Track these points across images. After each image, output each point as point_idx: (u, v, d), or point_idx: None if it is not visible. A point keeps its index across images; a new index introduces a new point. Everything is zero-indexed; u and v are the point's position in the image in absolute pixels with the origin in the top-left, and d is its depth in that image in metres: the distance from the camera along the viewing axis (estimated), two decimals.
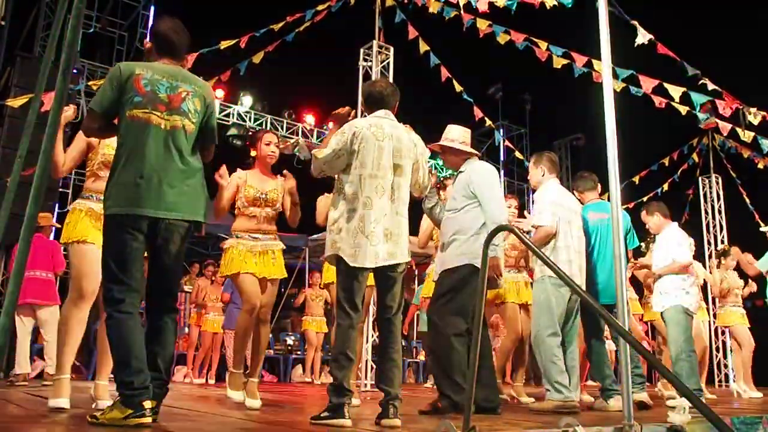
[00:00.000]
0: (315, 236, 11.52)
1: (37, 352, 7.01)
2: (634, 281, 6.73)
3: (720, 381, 11.33)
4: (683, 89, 6.23)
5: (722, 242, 11.91)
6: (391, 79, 8.06)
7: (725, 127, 6.77)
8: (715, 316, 7.85)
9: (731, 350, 9.43)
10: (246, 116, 11.14)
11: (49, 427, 2.49)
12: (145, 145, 2.49)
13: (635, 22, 5.64)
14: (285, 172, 3.95)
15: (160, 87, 2.56)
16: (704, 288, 7.93)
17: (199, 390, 6.25)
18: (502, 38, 6.93)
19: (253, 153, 4.02)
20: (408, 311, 10.65)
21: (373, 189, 2.88)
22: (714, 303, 8.38)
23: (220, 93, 10.72)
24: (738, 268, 7.29)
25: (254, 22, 7.82)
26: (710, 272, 7.63)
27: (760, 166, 10.08)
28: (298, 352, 10.04)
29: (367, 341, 6.57)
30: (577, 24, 4.86)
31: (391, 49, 8.41)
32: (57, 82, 1.69)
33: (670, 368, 4.45)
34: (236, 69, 7.98)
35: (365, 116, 3.24)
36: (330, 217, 2.97)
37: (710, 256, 9.37)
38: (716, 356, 11.15)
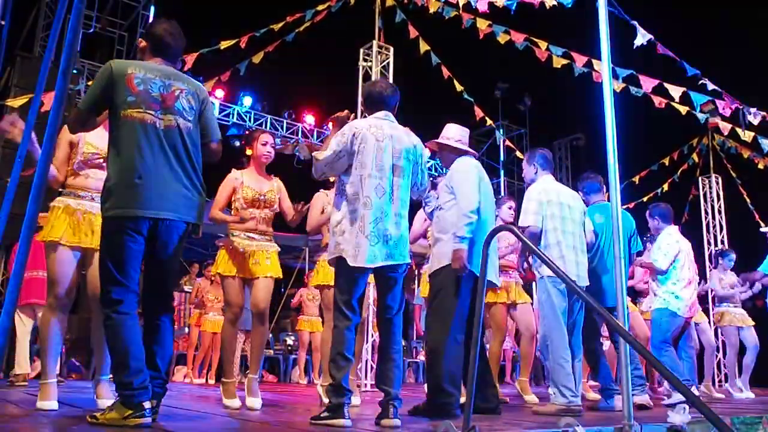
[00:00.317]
0: (315, 237, 11.53)
1: (36, 352, 7.01)
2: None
3: (720, 381, 11.33)
4: (683, 89, 6.23)
5: (722, 242, 11.92)
6: (391, 80, 8.07)
7: (725, 127, 6.78)
8: (715, 315, 7.84)
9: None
10: (246, 116, 11.14)
11: (48, 428, 2.49)
12: (141, 146, 2.46)
13: (635, 22, 5.64)
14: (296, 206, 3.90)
15: (153, 86, 2.53)
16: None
17: (199, 390, 6.25)
18: (502, 38, 6.94)
19: (248, 152, 4.01)
20: (414, 311, 10.66)
21: (373, 189, 2.88)
22: (714, 302, 8.37)
23: (220, 93, 10.73)
24: (735, 269, 7.29)
25: (254, 22, 7.83)
26: (708, 274, 7.62)
27: (760, 166, 10.08)
28: (298, 352, 10.05)
29: (366, 341, 6.57)
30: (577, 24, 4.86)
31: (391, 49, 8.41)
32: (57, 82, 1.69)
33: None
34: (236, 69, 7.98)
35: (365, 116, 3.24)
36: (333, 220, 2.97)
37: (710, 258, 9.36)
38: (716, 356, 11.15)
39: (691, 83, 6.12)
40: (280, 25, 7.84)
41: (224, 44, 7.67)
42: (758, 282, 6.74)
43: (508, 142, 12.14)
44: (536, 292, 4.07)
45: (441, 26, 7.57)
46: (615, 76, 6.22)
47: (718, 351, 11.17)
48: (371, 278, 3.03)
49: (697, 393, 5.39)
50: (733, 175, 11.84)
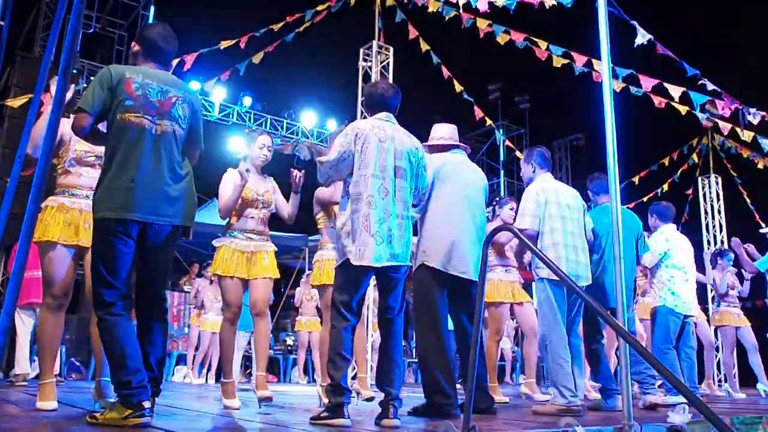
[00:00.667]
0: (315, 237, 11.54)
1: (36, 352, 7.01)
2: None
3: (720, 381, 11.33)
4: (683, 89, 6.23)
5: (722, 242, 11.92)
6: (390, 79, 8.07)
7: (725, 127, 6.78)
8: (713, 315, 7.84)
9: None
10: (246, 116, 11.14)
11: (48, 428, 2.49)
12: (136, 149, 2.49)
13: (635, 22, 5.64)
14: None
15: (151, 91, 2.57)
16: (704, 290, 7.94)
17: (199, 390, 6.25)
18: (501, 38, 6.93)
19: (246, 152, 4.02)
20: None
21: (376, 189, 2.87)
22: (713, 302, 8.37)
23: (220, 93, 10.72)
24: (735, 267, 7.28)
25: (254, 22, 7.83)
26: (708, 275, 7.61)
27: (760, 166, 10.08)
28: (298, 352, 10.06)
29: (367, 341, 6.57)
30: (577, 24, 4.86)
31: (391, 49, 8.41)
32: (57, 82, 1.69)
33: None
34: (236, 69, 7.98)
35: (365, 117, 3.24)
36: (338, 222, 2.97)
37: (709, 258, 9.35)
38: (716, 356, 11.15)
39: (691, 83, 6.12)
40: (280, 25, 7.85)
41: (224, 44, 7.68)
42: (747, 273, 6.73)
43: (507, 142, 12.14)
44: (535, 293, 4.07)
45: (441, 26, 7.58)
46: (615, 75, 6.22)
47: (717, 351, 11.18)
48: (372, 279, 3.03)
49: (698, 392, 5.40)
50: (733, 175, 11.84)
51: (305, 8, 8.01)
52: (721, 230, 12.14)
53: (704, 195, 12.38)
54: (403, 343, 9.96)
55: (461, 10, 7.06)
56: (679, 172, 11.98)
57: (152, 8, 10.95)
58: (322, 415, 2.74)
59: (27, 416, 2.86)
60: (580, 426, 2.46)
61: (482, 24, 6.97)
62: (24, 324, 5.78)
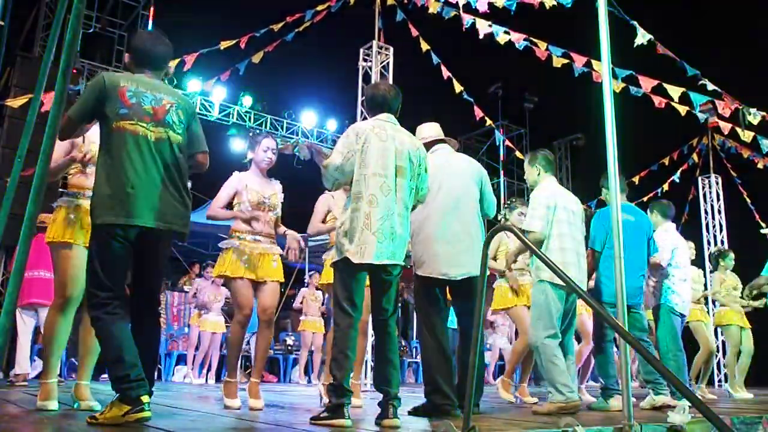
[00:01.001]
0: (315, 237, 11.52)
1: (37, 352, 7.01)
2: None
3: (720, 381, 11.34)
4: (683, 89, 6.23)
5: (722, 242, 11.92)
6: (390, 80, 8.08)
7: (725, 127, 6.78)
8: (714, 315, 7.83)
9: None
10: (246, 116, 11.14)
11: (48, 428, 2.49)
12: (132, 156, 2.56)
13: (635, 22, 5.64)
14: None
15: (144, 99, 2.65)
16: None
17: (199, 390, 6.25)
18: (501, 38, 6.94)
19: (249, 155, 4.01)
20: None
21: (377, 188, 2.88)
22: (714, 304, 8.37)
23: (220, 93, 10.72)
24: (736, 269, 7.28)
25: (254, 22, 7.84)
26: (708, 276, 7.61)
27: (760, 166, 10.08)
28: (298, 352, 10.05)
29: (366, 341, 6.57)
30: (577, 24, 4.86)
31: (391, 49, 8.41)
32: (57, 82, 1.69)
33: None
34: (236, 69, 7.99)
35: (365, 118, 3.24)
36: (338, 221, 2.98)
37: (709, 259, 9.35)
38: (716, 356, 11.14)
39: (691, 83, 6.13)
40: (280, 25, 7.85)
41: (224, 44, 7.68)
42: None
43: (507, 142, 12.14)
44: (532, 294, 4.06)
45: (441, 26, 7.58)
46: (615, 76, 6.23)
47: (717, 351, 11.17)
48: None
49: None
50: (733, 175, 11.84)
51: (305, 8, 8.02)
52: (721, 230, 12.15)
53: (704, 195, 12.38)
54: (403, 343, 10.00)
55: (461, 11, 7.07)
56: (679, 172, 11.98)
57: (152, 8, 10.96)
58: (322, 415, 2.74)
59: (27, 416, 2.86)
60: (580, 426, 2.46)
61: (482, 24, 6.97)
62: (25, 324, 5.78)
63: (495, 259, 5.29)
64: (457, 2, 6.93)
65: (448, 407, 3.32)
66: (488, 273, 2.98)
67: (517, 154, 11.25)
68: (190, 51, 7.40)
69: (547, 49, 6.84)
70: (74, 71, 8.62)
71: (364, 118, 3.29)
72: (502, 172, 14.34)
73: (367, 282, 3.02)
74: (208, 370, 8.40)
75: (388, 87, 3.20)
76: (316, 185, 4.23)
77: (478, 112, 8.84)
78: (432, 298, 3.57)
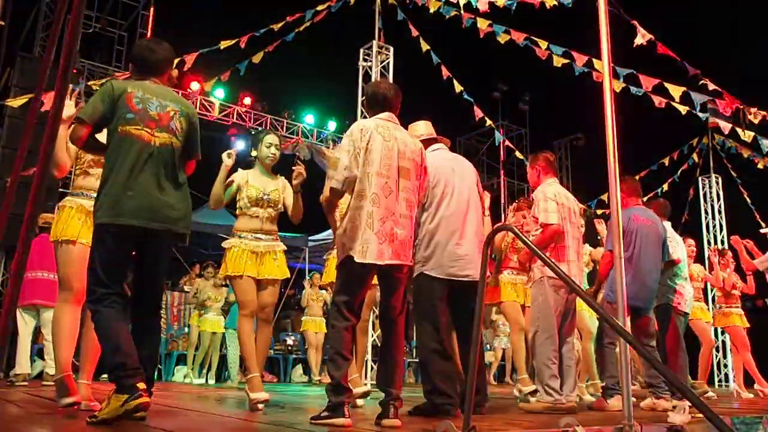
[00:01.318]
0: (315, 237, 11.54)
1: (37, 352, 7.01)
2: None
3: (720, 381, 11.35)
4: (683, 89, 6.24)
5: (722, 242, 11.92)
6: (390, 79, 8.08)
7: (725, 127, 6.78)
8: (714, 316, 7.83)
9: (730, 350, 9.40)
10: (246, 116, 11.14)
11: (48, 428, 2.49)
12: (136, 160, 2.63)
13: (635, 22, 5.64)
14: (298, 166, 3.92)
15: (150, 105, 2.73)
16: (704, 289, 7.93)
17: (199, 390, 6.25)
18: (502, 38, 6.94)
19: (254, 153, 4.02)
20: None
21: (380, 187, 2.86)
22: (714, 303, 8.37)
23: (219, 93, 10.73)
24: (738, 269, 7.27)
25: (254, 22, 7.84)
26: (709, 272, 7.60)
27: (760, 166, 10.08)
28: (298, 352, 10.05)
29: (367, 341, 6.58)
30: (577, 24, 4.86)
31: (391, 49, 8.41)
32: (57, 82, 1.69)
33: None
34: (236, 69, 7.99)
35: (365, 118, 3.23)
36: (341, 219, 2.98)
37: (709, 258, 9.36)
38: (716, 356, 11.15)
39: (691, 83, 6.13)
40: (280, 25, 7.85)
41: (224, 44, 7.68)
42: (746, 270, 6.73)
43: (507, 142, 12.14)
44: (532, 292, 4.07)
45: (441, 26, 7.58)
46: (615, 75, 6.23)
47: (717, 351, 11.19)
48: (374, 279, 3.03)
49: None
50: (733, 174, 11.84)
51: (305, 8, 8.02)
52: (721, 230, 12.15)
53: (704, 195, 12.39)
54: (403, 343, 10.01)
55: (461, 10, 7.07)
56: (679, 172, 11.99)
57: (152, 8, 10.96)
58: (322, 414, 2.74)
59: (27, 416, 2.86)
60: (580, 426, 2.46)
61: (482, 24, 6.98)
62: (26, 324, 5.78)
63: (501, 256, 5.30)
64: (457, 2, 6.94)
65: (448, 407, 3.32)
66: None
67: (517, 154, 11.24)
68: (190, 51, 7.40)
69: (547, 48, 6.84)
70: (74, 71, 8.61)
71: (364, 118, 3.28)
72: (502, 172, 14.34)
73: (372, 281, 3.02)
74: (208, 370, 8.39)
75: (388, 85, 3.19)
76: (316, 185, 4.24)
77: (478, 112, 8.84)
78: (442, 299, 3.52)
